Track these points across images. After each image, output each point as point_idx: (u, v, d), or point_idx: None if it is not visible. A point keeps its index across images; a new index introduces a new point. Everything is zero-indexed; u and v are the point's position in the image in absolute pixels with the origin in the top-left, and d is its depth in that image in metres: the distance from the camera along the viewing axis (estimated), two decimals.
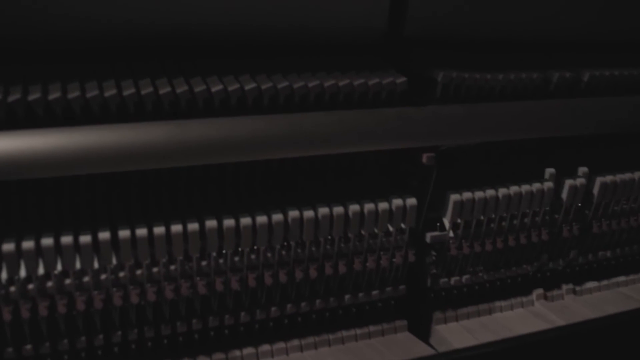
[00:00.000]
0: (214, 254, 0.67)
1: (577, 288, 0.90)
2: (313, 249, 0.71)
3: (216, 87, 0.66)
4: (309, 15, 0.72)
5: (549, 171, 0.81)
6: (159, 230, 0.64)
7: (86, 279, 0.63)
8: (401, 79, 0.73)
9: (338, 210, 0.70)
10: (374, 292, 0.77)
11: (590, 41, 0.89)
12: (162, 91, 0.64)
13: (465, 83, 0.77)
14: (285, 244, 0.70)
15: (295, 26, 0.72)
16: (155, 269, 0.66)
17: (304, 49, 0.74)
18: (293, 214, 0.68)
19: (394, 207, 0.72)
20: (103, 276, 0.64)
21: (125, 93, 0.62)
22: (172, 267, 0.66)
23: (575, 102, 0.82)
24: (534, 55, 0.84)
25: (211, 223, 0.66)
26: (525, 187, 0.79)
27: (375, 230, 0.73)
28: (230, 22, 0.70)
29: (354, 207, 0.71)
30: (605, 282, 0.92)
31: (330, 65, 0.73)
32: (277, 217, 0.68)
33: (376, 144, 0.71)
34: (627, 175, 0.86)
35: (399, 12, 0.76)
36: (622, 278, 0.93)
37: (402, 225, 0.74)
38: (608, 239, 0.90)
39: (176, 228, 0.64)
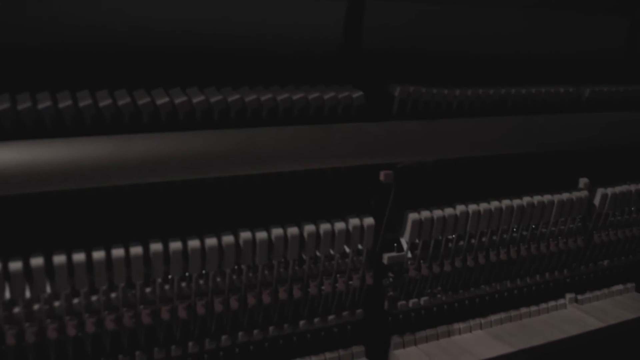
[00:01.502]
0: (159, 280, 0.62)
1: (535, 308, 0.88)
2: (266, 272, 0.67)
3: (162, 100, 0.62)
4: (262, 27, 0.69)
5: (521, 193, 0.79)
6: (98, 255, 0.58)
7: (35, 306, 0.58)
8: (357, 94, 0.70)
9: (292, 231, 0.66)
10: (330, 317, 0.73)
11: (549, 58, 0.89)
12: (102, 103, 0.59)
13: (422, 98, 0.74)
14: (237, 267, 0.66)
15: (249, 38, 0.69)
16: (94, 298, 0.60)
17: (257, 62, 0.71)
18: (245, 235, 0.64)
19: (351, 227, 0.69)
20: (36, 306, 0.58)
21: (61, 105, 0.57)
22: (113, 295, 0.61)
23: (533, 119, 0.81)
24: (494, 71, 0.83)
25: (156, 246, 0.61)
26: (483, 206, 0.77)
27: (332, 252, 0.69)
28: (180, 32, 0.66)
29: (309, 228, 0.67)
30: (562, 301, 0.90)
31: (285, 80, 0.70)
32: (228, 239, 0.63)
33: (331, 161, 0.68)
34: (567, 194, 0.85)
35: (354, 25, 0.73)
36: (579, 296, 0.92)
37: (360, 246, 0.71)
38: (565, 257, 0.88)
39: (117, 253, 0.59)
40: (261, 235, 0.65)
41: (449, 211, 0.74)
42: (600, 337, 0.86)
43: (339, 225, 0.68)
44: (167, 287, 0.63)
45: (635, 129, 0.95)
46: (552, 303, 0.90)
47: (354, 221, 0.69)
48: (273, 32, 0.70)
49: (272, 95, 0.66)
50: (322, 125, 0.68)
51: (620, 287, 0.97)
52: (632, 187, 0.91)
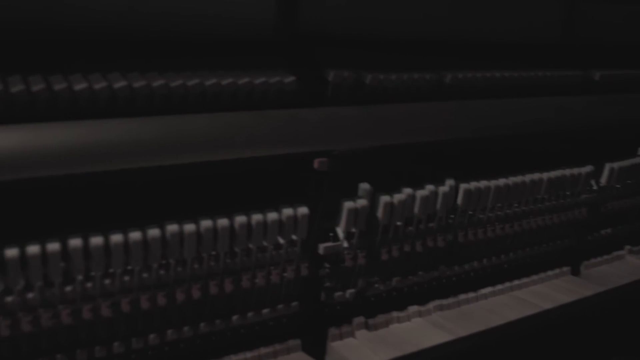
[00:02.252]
0: (80, 277, 0.58)
1: (472, 295, 0.87)
2: (196, 266, 0.64)
3: (80, 86, 0.58)
4: (190, 6, 0.65)
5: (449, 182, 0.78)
6: (11, 253, 0.54)
7: None
8: (290, 78, 0.67)
9: (223, 222, 0.63)
10: (265, 311, 0.70)
11: (486, 42, 0.88)
12: (14, 89, 0.55)
13: (358, 83, 0.72)
14: (164, 262, 0.62)
15: (175, 18, 0.65)
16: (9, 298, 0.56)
17: (184, 45, 0.67)
18: (172, 228, 0.61)
19: (284, 218, 0.66)
20: None
21: None
22: (30, 296, 0.57)
23: (470, 104, 0.80)
24: (432, 55, 0.81)
25: (75, 242, 0.57)
26: (420, 192, 0.75)
27: (265, 243, 0.67)
28: (98, 11, 0.62)
29: (240, 219, 0.64)
30: (499, 287, 0.90)
31: (214, 63, 0.66)
32: (154, 232, 0.60)
33: (263, 149, 0.65)
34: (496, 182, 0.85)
35: (288, 5, 0.70)
36: (516, 282, 0.92)
37: (294, 237, 0.68)
38: (501, 244, 0.88)
39: (33, 250, 0.55)
40: (189, 227, 0.61)
41: (385, 199, 0.73)
42: (538, 321, 0.86)
43: (272, 216, 0.66)
44: (89, 284, 0.59)
45: (571, 113, 0.96)
46: (490, 289, 0.89)
47: (287, 211, 0.66)
48: (201, 11, 0.67)
49: (200, 80, 0.63)
50: (253, 111, 0.65)
51: (556, 271, 0.97)
52: (567, 172, 0.91)
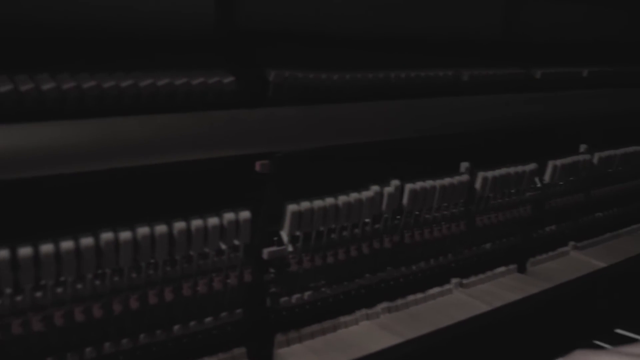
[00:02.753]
0: (9, 290, 0.55)
1: (421, 295, 0.86)
2: (133, 275, 0.61)
3: (4, 88, 0.55)
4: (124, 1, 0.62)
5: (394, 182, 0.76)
6: None
7: None
8: (229, 79, 0.65)
9: (160, 229, 0.60)
10: (208, 320, 0.68)
11: (430, 39, 0.88)
12: None
13: (300, 83, 0.70)
14: (99, 272, 0.59)
15: (108, 15, 0.62)
16: None
17: (117, 43, 0.64)
18: (106, 236, 0.58)
19: (225, 222, 0.64)
20: None
21: None
22: None
23: (415, 103, 0.79)
24: (376, 53, 0.80)
25: (2, 254, 0.53)
26: (365, 194, 0.74)
27: (206, 250, 0.64)
28: (26, 9, 0.58)
29: (179, 225, 0.61)
30: (447, 287, 0.90)
31: (150, 63, 0.64)
32: (87, 241, 0.57)
33: (202, 152, 0.63)
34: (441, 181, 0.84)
35: (226, 1, 0.68)
36: (463, 281, 0.92)
37: (236, 242, 0.66)
38: (449, 242, 0.88)
39: None
40: (125, 235, 0.59)
41: (330, 201, 0.71)
42: (487, 319, 0.85)
43: (212, 221, 0.63)
44: (19, 298, 0.56)
45: (514, 111, 0.96)
46: (438, 289, 0.89)
47: (229, 215, 0.64)
48: (135, 7, 0.64)
49: (134, 81, 0.60)
50: (191, 113, 0.63)
51: (503, 269, 0.98)
52: (511, 170, 0.91)
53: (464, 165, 0.86)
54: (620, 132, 1.16)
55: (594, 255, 1.09)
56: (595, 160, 1.07)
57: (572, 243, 1.10)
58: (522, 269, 1.00)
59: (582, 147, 1.07)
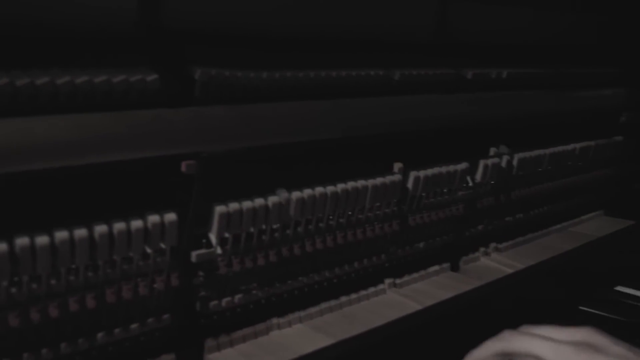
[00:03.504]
0: None
1: (354, 296, 0.86)
2: (52, 282, 0.58)
3: None
4: None
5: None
6: None
7: None
8: (152, 77, 0.63)
9: (80, 233, 0.58)
10: (133, 326, 0.65)
11: (363, 38, 0.87)
12: None
13: (227, 82, 0.69)
14: (15, 279, 0.56)
15: (22, 8, 0.59)
16: None
17: (33, 39, 0.61)
18: (21, 241, 0.55)
19: (150, 225, 0.62)
20: None
21: None
22: None
23: (344, 103, 0.79)
24: (306, 53, 0.79)
25: None
26: (296, 194, 0.73)
27: (130, 254, 0.62)
28: None
29: (100, 229, 0.59)
30: (381, 287, 0.89)
31: (68, 60, 0.61)
32: (1, 247, 0.54)
33: (124, 153, 0.60)
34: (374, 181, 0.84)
35: None
36: (397, 280, 0.92)
37: (162, 245, 0.64)
38: (382, 242, 0.88)
39: None
40: (42, 240, 0.56)
41: (259, 202, 0.70)
42: (420, 318, 0.86)
43: (136, 224, 0.61)
44: None
45: (445, 111, 0.97)
46: (371, 289, 0.88)
47: (153, 218, 0.62)
48: (56, 3, 0.61)
49: (50, 78, 0.58)
50: (113, 112, 0.61)
51: (436, 267, 0.98)
52: (444, 169, 0.92)
53: (397, 166, 0.86)
54: (546, 132, 1.19)
55: (522, 253, 1.12)
56: (515, 161, 1.08)
57: (493, 244, 1.11)
58: (455, 267, 1.01)
59: (502, 148, 1.08)
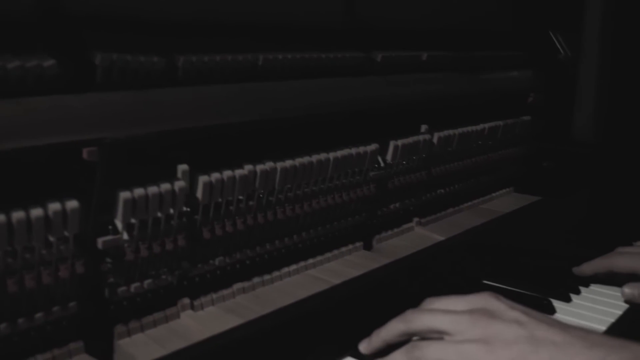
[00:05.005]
0: None
1: (267, 277, 0.87)
2: None
3: None
4: None
5: (181, 168, 0.74)
6: None
7: None
8: (49, 62, 0.62)
9: None
10: (38, 315, 0.65)
11: (271, 25, 0.88)
12: None
13: (130, 66, 0.69)
14: None
15: None
16: None
17: None
18: None
19: (51, 213, 0.61)
20: None
21: None
22: None
23: (255, 87, 0.80)
24: (212, 38, 0.80)
25: None
26: (202, 178, 0.74)
27: (32, 243, 0.61)
28: None
29: None
30: (294, 267, 0.91)
31: None
32: None
33: (22, 140, 0.60)
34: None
35: None
36: (310, 261, 0.94)
37: (65, 233, 0.64)
38: (294, 224, 0.89)
39: None
40: None
41: (165, 187, 0.70)
42: (330, 295, 0.88)
43: (36, 212, 0.60)
44: None
45: (354, 94, 0.99)
46: (286, 269, 0.90)
47: (54, 206, 0.61)
48: None
49: None
50: (9, 99, 0.60)
51: (349, 246, 1.01)
52: (353, 151, 0.94)
53: (306, 147, 0.87)
54: (458, 113, 1.23)
55: (436, 230, 1.15)
56: (435, 139, 1.12)
57: (416, 219, 1.15)
58: (368, 246, 1.04)
59: (423, 128, 1.12)
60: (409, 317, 0.74)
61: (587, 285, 1.03)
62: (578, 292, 1.00)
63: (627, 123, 1.59)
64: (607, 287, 1.03)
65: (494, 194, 1.42)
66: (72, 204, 0.63)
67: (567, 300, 0.97)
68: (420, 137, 1.09)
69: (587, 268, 1.05)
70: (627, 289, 0.97)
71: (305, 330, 0.79)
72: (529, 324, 0.68)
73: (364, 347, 0.76)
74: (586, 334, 0.66)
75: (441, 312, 0.72)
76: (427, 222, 1.18)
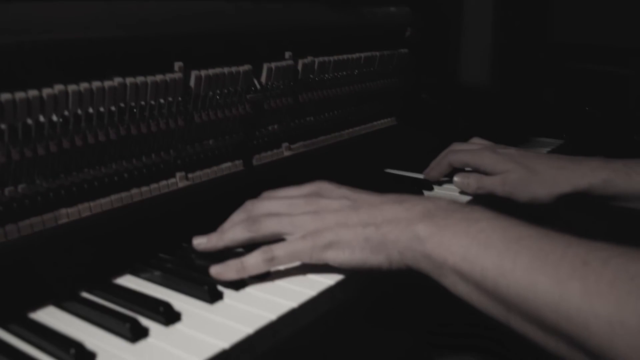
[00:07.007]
0: None
1: (145, 189, 0.92)
2: None
3: None
4: None
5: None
6: None
7: None
8: None
9: None
10: None
11: None
12: None
13: None
14: None
15: None
16: None
17: None
18: None
19: None
20: None
21: None
22: None
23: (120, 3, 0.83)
24: None
25: None
26: (71, 87, 0.77)
27: None
28: None
29: None
30: (173, 180, 0.96)
31: None
32: None
33: None
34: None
35: None
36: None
37: None
38: (169, 138, 0.94)
39: None
40: None
41: (32, 93, 0.73)
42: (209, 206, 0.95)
43: None
44: None
45: (228, 18, 1.03)
46: (163, 182, 0.95)
47: None
48: None
49: None
50: None
51: (229, 164, 1.06)
52: (226, 70, 0.99)
53: (178, 65, 0.92)
54: (332, 42, 1.29)
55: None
56: (299, 66, 1.17)
57: (285, 144, 1.21)
58: (248, 165, 1.10)
59: (287, 54, 1.16)
60: (249, 207, 0.83)
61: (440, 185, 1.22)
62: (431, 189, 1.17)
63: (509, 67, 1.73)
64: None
65: (375, 123, 1.50)
66: None
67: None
68: (291, 62, 1.14)
69: (433, 172, 1.18)
70: (457, 178, 1.14)
71: (178, 236, 0.86)
72: (353, 195, 0.82)
73: (200, 242, 0.85)
74: (399, 196, 0.80)
75: (278, 199, 0.82)
76: (297, 147, 1.24)
